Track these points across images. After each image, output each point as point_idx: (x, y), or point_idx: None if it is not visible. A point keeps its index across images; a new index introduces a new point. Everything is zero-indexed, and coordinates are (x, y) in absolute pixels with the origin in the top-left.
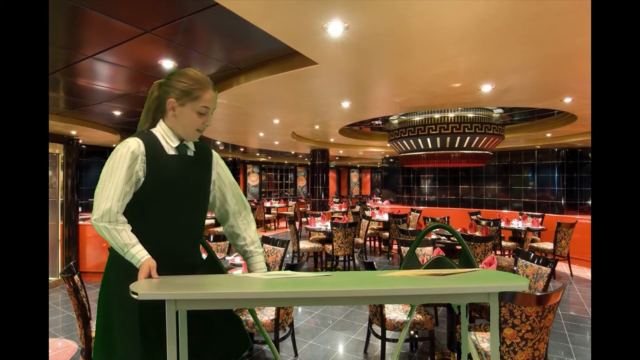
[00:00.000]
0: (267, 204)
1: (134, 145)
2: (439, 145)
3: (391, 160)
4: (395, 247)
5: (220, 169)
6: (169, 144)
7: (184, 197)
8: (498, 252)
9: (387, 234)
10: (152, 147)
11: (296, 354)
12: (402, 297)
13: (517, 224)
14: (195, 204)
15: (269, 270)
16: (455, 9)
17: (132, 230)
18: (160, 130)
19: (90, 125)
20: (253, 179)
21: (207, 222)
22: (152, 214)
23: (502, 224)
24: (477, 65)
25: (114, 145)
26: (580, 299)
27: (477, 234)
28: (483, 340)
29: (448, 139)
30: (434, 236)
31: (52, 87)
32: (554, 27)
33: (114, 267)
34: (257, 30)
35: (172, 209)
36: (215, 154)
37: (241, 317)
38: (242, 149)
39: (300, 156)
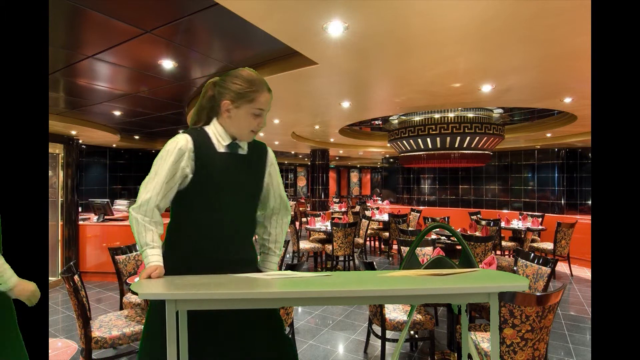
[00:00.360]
0: None
1: (182, 141)
2: (439, 145)
3: (391, 160)
4: (395, 247)
5: (272, 169)
6: (220, 142)
7: (230, 194)
8: (498, 252)
9: (387, 234)
10: (202, 144)
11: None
12: (402, 297)
13: (517, 224)
14: (243, 201)
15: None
16: (455, 9)
17: (180, 225)
18: (213, 129)
19: (90, 125)
20: None
21: None
22: (199, 209)
23: (502, 224)
24: (477, 65)
25: (114, 145)
26: (580, 299)
27: (477, 234)
28: (483, 340)
29: (448, 139)
30: (434, 236)
31: (52, 87)
32: (554, 27)
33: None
34: (257, 30)
35: (218, 205)
36: (270, 153)
37: None
38: None
39: (300, 156)
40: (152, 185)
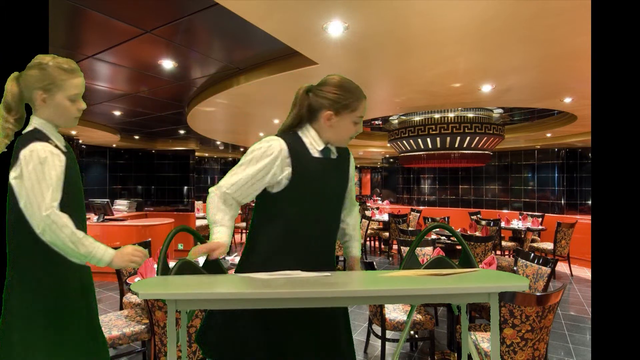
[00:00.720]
0: None
1: (276, 146)
2: (439, 145)
3: (391, 160)
4: (395, 247)
5: (352, 170)
6: (315, 147)
7: (325, 199)
8: (498, 252)
9: (387, 234)
10: (297, 149)
11: None
12: (402, 297)
13: (517, 224)
14: (335, 205)
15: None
16: (455, 9)
17: (273, 227)
18: (308, 134)
19: (90, 125)
20: None
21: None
22: (294, 214)
23: (502, 224)
24: (477, 65)
25: (114, 145)
26: (580, 299)
27: (477, 234)
28: (483, 340)
29: (448, 139)
30: (434, 236)
31: None
32: (554, 27)
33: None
34: (257, 30)
35: (314, 210)
36: (351, 154)
37: None
38: (242, 149)
39: None
40: (237, 178)
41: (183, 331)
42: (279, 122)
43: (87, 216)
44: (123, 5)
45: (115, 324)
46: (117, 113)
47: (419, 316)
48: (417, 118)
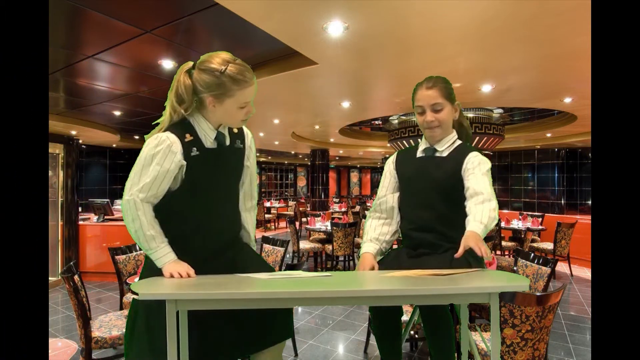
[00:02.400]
0: (267, 204)
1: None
2: None
3: None
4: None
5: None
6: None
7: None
8: (498, 252)
9: None
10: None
11: (296, 354)
12: (402, 297)
13: (517, 224)
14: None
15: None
16: (455, 9)
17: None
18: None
19: (90, 125)
20: None
21: None
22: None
23: (502, 224)
24: (477, 65)
25: (114, 145)
26: (580, 299)
27: None
28: (483, 340)
29: None
30: None
31: (52, 87)
32: (553, 27)
33: None
34: (257, 30)
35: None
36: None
37: None
38: None
39: (300, 156)
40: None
41: (183, 331)
42: (279, 122)
43: (87, 216)
44: (123, 5)
45: (115, 324)
46: (117, 113)
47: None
48: None
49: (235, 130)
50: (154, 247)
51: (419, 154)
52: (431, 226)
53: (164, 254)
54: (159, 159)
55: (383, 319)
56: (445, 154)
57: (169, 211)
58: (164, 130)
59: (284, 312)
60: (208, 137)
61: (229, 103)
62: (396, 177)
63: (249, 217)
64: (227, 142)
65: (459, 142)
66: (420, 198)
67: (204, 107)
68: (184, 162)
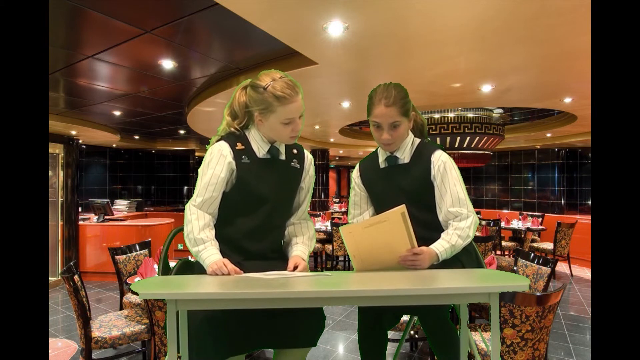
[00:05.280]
0: None
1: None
2: None
3: None
4: None
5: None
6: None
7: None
8: (498, 252)
9: None
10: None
11: None
12: (402, 297)
13: (517, 224)
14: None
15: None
16: (455, 9)
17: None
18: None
19: (90, 125)
20: None
21: None
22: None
23: (502, 224)
24: (477, 65)
25: (114, 145)
26: (580, 299)
27: (477, 233)
28: (483, 340)
29: (448, 139)
30: None
31: (52, 87)
32: (553, 27)
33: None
34: (257, 30)
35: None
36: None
37: None
38: None
39: None
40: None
41: (183, 331)
42: None
43: (87, 216)
44: (123, 5)
45: (115, 324)
46: (117, 113)
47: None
48: None
49: (295, 151)
50: (201, 249)
51: (382, 164)
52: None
53: (209, 255)
54: (212, 163)
55: (371, 329)
56: (407, 160)
57: (221, 216)
58: (218, 140)
59: (317, 317)
60: (261, 149)
61: (273, 119)
62: (365, 191)
63: (299, 231)
64: (283, 158)
65: (417, 141)
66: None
67: (254, 123)
68: (234, 167)
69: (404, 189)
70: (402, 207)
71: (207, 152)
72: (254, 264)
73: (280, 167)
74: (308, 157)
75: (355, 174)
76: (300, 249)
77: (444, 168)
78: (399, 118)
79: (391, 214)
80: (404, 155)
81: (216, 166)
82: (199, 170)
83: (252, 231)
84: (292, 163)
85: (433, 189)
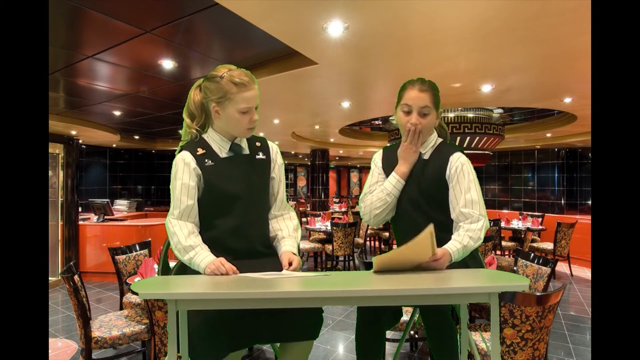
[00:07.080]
0: None
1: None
2: None
3: None
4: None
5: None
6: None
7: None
8: (498, 252)
9: (387, 234)
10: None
11: None
12: (402, 297)
13: (517, 224)
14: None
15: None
16: (455, 9)
17: None
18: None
19: (90, 125)
20: None
21: None
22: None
23: (502, 224)
24: (477, 65)
25: (114, 145)
26: (580, 299)
27: None
28: (483, 340)
29: None
30: None
31: (52, 87)
32: (553, 27)
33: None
34: (257, 30)
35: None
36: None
37: None
38: None
39: (300, 156)
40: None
41: (183, 331)
42: (279, 122)
43: (87, 216)
44: (123, 5)
45: (115, 324)
46: (117, 113)
47: (419, 316)
48: None
49: (258, 144)
50: (192, 255)
51: None
52: None
53: (203, 257)
54: (179, 174)
55: (369, 326)
56: (427, 156)
57: (202, 221)
58: (179, 152)
59: (315, 310)
60: (222, 149)
61: (230, 108)
62: (384, 175)
63: (282, 224)
64: (247, 152)
65: (439, 140)
66: (410, 201)
67: (212, 119)
68: (200, 172)
69: (420, 185)
70: (430, 227)
71: (172, 165)
72: (245, 263)
73: (246, 161)
74: (273, 147)
75: (377, 157)
76: (289, 243)
77: (462, 169)
78: (430, 105)
79: (422, 238)
80: (426, 151)
81: (183, 176)
82: (170, 186)
83: (234, 229)
84: (257, 155)
85: (445, 187)
